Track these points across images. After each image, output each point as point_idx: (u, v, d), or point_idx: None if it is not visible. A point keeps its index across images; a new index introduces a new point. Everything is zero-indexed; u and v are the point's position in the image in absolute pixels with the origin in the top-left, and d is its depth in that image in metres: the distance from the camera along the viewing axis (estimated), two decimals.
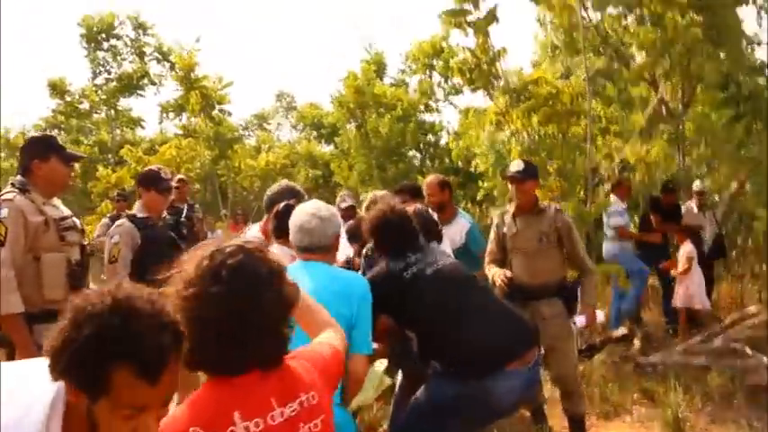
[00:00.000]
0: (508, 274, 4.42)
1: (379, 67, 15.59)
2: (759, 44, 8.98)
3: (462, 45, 7.76)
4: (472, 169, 10.92)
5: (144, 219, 4.38)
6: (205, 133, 14.69)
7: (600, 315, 5.06)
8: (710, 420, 5.07)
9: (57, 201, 3.72)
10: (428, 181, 5.38)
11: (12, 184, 3.57)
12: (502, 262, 4.62)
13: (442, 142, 14.07)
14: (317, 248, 2.83)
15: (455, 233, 5.03)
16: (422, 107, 13.81)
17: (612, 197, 7.63)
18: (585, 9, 8.62)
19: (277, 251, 2.95)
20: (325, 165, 17.51)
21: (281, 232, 3.31)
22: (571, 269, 4.70)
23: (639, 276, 7.42)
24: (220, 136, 15.44)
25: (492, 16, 7.20)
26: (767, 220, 8.41)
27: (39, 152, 3.58)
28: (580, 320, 4.58)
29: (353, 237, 4.57)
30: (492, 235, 4.74)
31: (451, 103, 14.93)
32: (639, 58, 8.64)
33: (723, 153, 8.50)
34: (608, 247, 7.62)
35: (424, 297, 3.03)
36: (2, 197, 3.43)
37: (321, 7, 71.72)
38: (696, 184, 8.58)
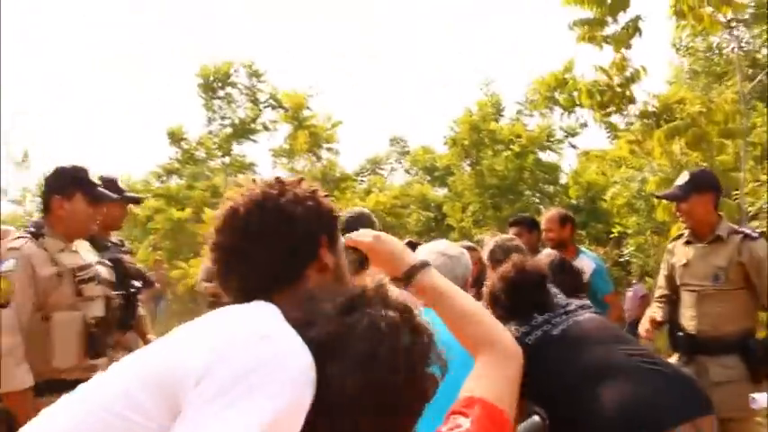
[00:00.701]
0: (658, 317, 3.56)
1: (496, 108, 14.99)
2: None
3: (594, 64, 7.03)
4: (599, 206, 10.05)
5: None
6: (312, 174, 14.52)
7: None
8: None
9: (82, 245, 3.12)
10: (548, 215, 4.73)
11: (25, 226, 3.03)
12: (671, 300, 3.65)
13: (562, 182, 13.20)
14: None
15: None
16: (541, 145, 13.03)
17: None
18: (731, 28, 7.80)
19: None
20: (437, 207, 16.93)
21: None
22: None
23: None
24: (328, 176, 15.19)
25: (634, 28, 6.30)
26: None
27: (61, 187, 2.97)
28: (761, 399, 3.19)
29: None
30: (663, 265, 3.82)
31: (572, 144, 14.15)
32: None
33: None
34: None
35: (548, 363, 2.27)
36: (9, 244, 2.83)
37: (438, 50, 71.96)
38: None
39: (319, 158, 14.17)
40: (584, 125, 11.93)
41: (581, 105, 9.06)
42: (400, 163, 26.10)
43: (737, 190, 7.22)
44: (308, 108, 14.69)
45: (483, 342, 1.33)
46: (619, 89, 6.96)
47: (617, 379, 2.18)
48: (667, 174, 7.01)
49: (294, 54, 62.39)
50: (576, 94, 8.66)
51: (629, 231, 8.66)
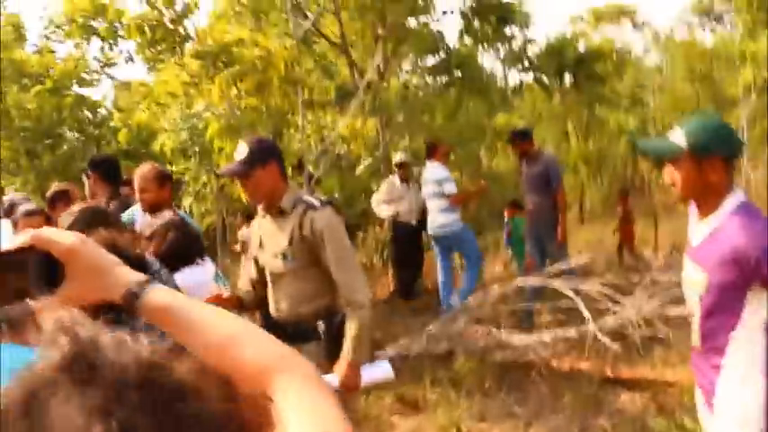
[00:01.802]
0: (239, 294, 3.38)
1: (17, 32, 12.66)
2: None
3: None
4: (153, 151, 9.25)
5: None
6: None
7: (373, 372, 3.05)
8: (478, 412, 4.64)
9: None
10: (142, 173, 4.00)
11: None
12: (262, 282, 3.25)
13: (110, 123, 11.89)
14: None
15: None
16: (78, 79, 11.44)
17: (431, 163, 6.80)
18: None
19: None
20: None
21: None
22: None
23: (476, 251, 6.86)
24: None
25: None
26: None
27: None
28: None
29: None
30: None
31: (110, 76, 12.81)
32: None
33: (421, 124, 8.29)
34: (446, 220, 6.74)
35: None
36: None
37: None
38: (397, 157, 8.15)
39: None
40: (130, 59, 10.78)
41: (126, 39, 8.16)
42: None
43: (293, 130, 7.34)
44: None
45: (272, 365, 0.92)
46: (171, 26, 6.35)
47: None
48: (228, 119, 6.68)
49: None
50: (120, 25, 7.71)
51: (186, 178, 8.16)
